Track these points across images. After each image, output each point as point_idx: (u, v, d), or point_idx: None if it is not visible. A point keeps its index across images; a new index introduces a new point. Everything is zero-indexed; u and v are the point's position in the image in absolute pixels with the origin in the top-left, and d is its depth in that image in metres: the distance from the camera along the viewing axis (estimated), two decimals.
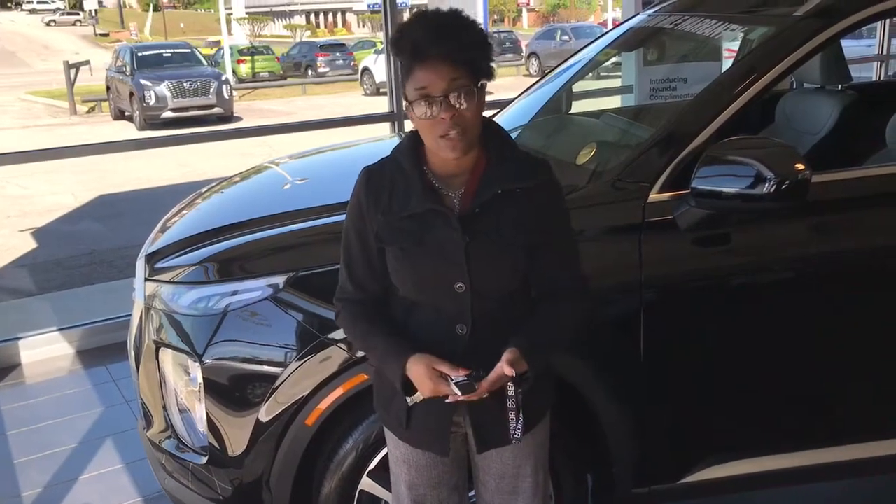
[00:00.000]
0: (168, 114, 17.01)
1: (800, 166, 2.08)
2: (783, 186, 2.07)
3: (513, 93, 3.95)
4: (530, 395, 1.76)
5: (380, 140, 3.84)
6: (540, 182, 1.74)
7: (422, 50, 1.60)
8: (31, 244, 7.56)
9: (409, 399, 1.73)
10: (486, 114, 1.75)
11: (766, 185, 2.07)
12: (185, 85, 17.23)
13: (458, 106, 1.60)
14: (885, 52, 6.82)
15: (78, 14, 58.18)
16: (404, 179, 1.72)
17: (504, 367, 1.63)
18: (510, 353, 1.65)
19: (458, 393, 1.63)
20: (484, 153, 1.73)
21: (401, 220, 1.70)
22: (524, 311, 1.81)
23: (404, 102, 1.68)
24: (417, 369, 1.67)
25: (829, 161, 2.59)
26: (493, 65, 1.69)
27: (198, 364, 2.26)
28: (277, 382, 2.20)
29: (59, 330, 4.50)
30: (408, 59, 1.63)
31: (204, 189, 3.27)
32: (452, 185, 1.72)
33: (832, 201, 2.37)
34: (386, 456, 2.00)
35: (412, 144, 1.75)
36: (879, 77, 6.79)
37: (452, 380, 1.64)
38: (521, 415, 1.75)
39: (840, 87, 3.29)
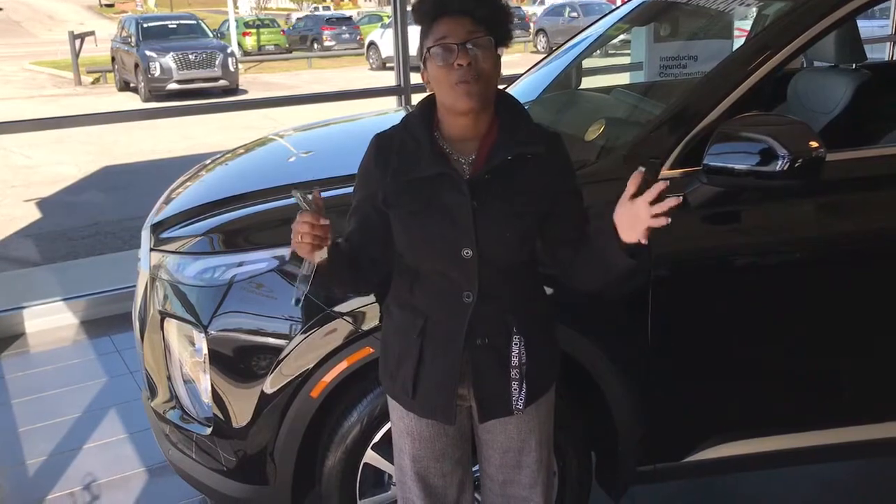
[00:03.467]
0: (173, 85, 16.93)
1: (814, 144, 2.06)
2: (797, 164, 2.04)
3: (520, 69, 3.92)
4: (533, 366, 1.77)
5: (385, 113, 3.81)
6: (551, 150, 1.74)
7: (445, 4, 1.63)
8: (35, 214, 7.56)
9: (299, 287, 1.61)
10: None
11: (780, 162, 2.05)
12: (190, 57, 17.13)
13: (475, 56, 1.61)
14: None
15: None
16: (414, 144, 1.71)
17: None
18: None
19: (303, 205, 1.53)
20: (496, 122, 1.72)
21: (409, 183, 1.69)
22: (530, 285, 1.82)
23: (421, 63, 1.68)
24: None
25: (842, 140, 2.56)
26: (510, 34, 1.70)
27: (203, 335, 2.26)
28: (282, 354, 2.19)
29: (64, 300, 4.51)
30: (430, 15, 1.65)
31: (208, 161, 3.26)
32: (463, 150, 1.72)
33: (845, 180, 2.35)
34: (391, 430, 2.00)
35: (424, 111, 1.75)
36: (893, 57, 6.72)
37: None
38: (523, 385, 1.76)
39: (854, 65, 3.25)
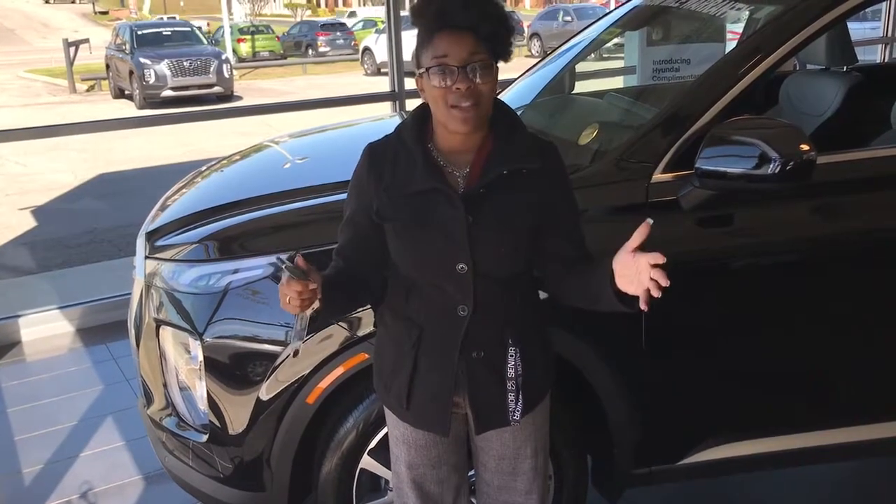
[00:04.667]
0: (168, 92, 16.93)
1: (805, 147, 2.07)
2: (788, 167, 2.05)
3: (514, 73, 3.92)
4: (530, 376, 1.76)
5: (380, 119, 3.81)
6: (547, 165, 1.72)
7: (447, 17, 1.59)
8: (31, 222, 7.55)
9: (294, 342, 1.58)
10: None
11: (771, 165, 2.05)
12: (184, 63, 17.13)
13: (474, 79, 1.59)
14: (889, 35, 6.77)
15: None
16: (408, 156, 1.69)
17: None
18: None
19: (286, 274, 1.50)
20: (491, 133, 1.71)
21: (403, 197, 1.68)
22: (526, 294, 1.81)
23: (417, 72, 1.66)
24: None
25: (833, 143, 2.57)
26: (511, 47, 1.68)
27: (198, 342, 2.26)
28: (278, 361, 2.19)
29: (60, 308, 4.51)
30: (430, 26, 1.61)
31: (204, 168, 3.26)
32: (458, 163, 1.70)
33: (837, 183, 2.36)
34: (387, 435, 2.00)
35: (417, 121, 1.72)
36: (884, 59, 6.75)
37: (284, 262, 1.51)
38: (520, 396, 1.75)
39: (845, 68, 3.27)
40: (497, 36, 1.63)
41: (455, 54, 1.58)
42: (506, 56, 1.67)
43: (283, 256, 1.52)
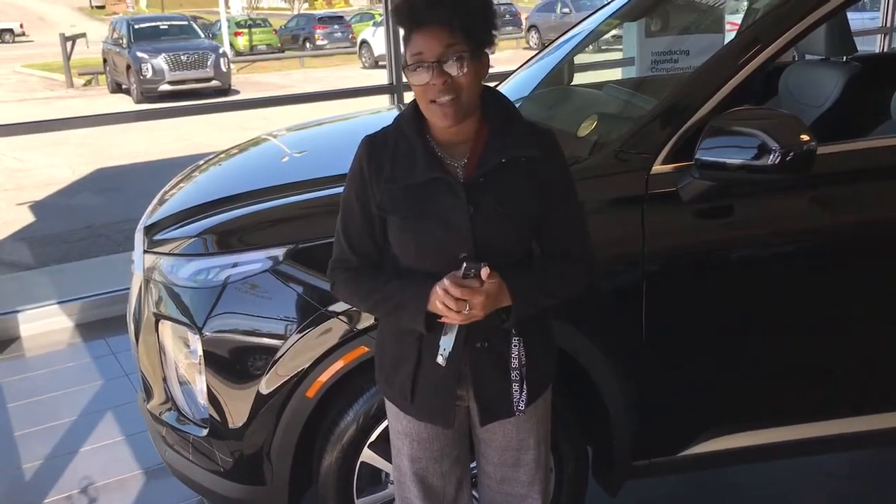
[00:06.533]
0: (165, 87, 16.90)
1: (805, 137, 2.06)
2: (788, 158, 2.04)
3: (512, 66, 3.92)
4: (533, 366, 1.76)
5: (378, 112, 3.81)
6: (545, 152, 1.71)
7: (418, 15, 1.60)
8: (28, 217, 7.54)
9: (440, 357, 1.67)
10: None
11: (771, 156, 2.05)
12: (182, 58, 17.10)
13: (452, 73, 1.59)
14: (889, 25, 6.76)
15: None
16: (407, 147, 1.69)
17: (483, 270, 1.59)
18: (492, 273, 1.60)
19: (468, 274, 1.59)
20: (486, 122, 1.70)
21: (404, 188, 1.67)
22: None
23: (404, 70, 1.67)
24: (437, 286, 1.61)
25: (833, 133, 2.56)
26: (494, 31, 1.66)
27: (198, 336, 2.25)
28: (278, 355, 2.19)
29: (59, 303, 4.50)
30: (407, 25, 1.63)
31: (202, 162, 3.25)
32: (455, 153, 1.70)
33: (837, 173, 2.35)
34: (387, 428, 2.00)
35: (415, 113, 1.72)
36: (883, 49, 6.73)
37: (462, 270, 1.59)
38: (524, 386, 1.75)
39: (845, 58, 3.26)
40: (473, 27, 1.61)
41: (430, 50, 1.58)
42: (489, 43, 1.65)
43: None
